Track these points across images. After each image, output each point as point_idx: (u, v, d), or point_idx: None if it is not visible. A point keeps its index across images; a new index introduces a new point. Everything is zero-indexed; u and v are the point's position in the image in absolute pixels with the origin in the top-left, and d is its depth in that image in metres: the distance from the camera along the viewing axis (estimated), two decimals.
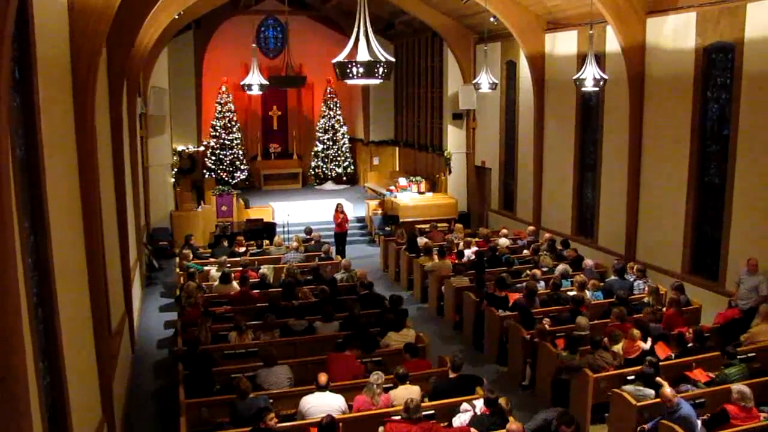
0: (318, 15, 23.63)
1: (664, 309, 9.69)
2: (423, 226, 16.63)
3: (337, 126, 24.20)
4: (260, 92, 15.58)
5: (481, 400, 6.88)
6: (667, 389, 6.83)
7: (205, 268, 12.85)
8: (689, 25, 11.03)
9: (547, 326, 9.27)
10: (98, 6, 6.72)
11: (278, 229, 16.67)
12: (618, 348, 8.41)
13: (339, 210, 16.16)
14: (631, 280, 11.04)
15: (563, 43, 14.63)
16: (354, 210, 19.37)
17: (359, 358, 8.27)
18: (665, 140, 11.76)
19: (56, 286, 4.97)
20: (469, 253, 13.39)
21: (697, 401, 7.09)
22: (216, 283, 11.58)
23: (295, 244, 13.94)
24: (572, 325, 9.10)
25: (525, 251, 13.59)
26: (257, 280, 11.77)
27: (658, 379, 7.37)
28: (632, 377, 7.65)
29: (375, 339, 8.88)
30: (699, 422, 6.77)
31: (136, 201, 13.09)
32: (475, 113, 18.93)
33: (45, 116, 5.01)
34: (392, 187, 19.58)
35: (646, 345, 8.50)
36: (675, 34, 11.38)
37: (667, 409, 6.73)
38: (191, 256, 13.60)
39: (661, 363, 7.81)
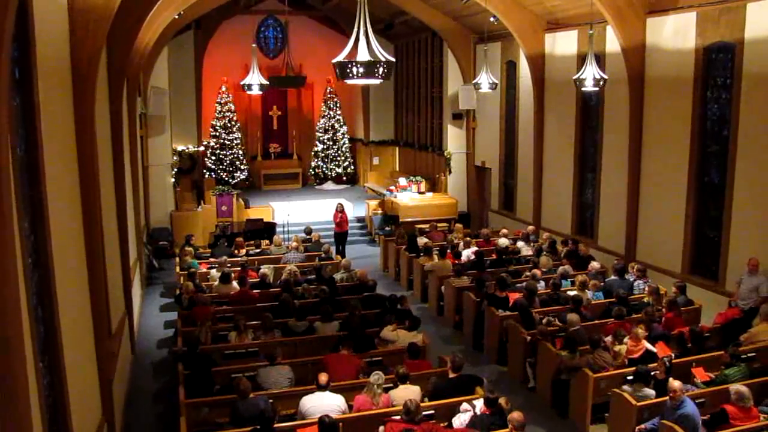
0: (318, 15, 23.63)
1: (664, 310, 9.68)
2: (423, 226, 16.61)
3: (337, 126, 24.20)
4: (260, 92, 15.56)
5: (481, 400, 6.88)
6: (676, 382, 6.83)
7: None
8: (689, 25, 11.03)
9: (549, 327, 9.26)
10: (98, 6, 6.72)
11: (278, 229, 16.67)
12: (621, 348, 8.41)
13: (339, 210, 16.17)
14: (632, 280, 11.04)
15: (563, 43, 14.63)
16: (354, 210, 19.36)
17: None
18: (665, 140, 11.75)
19: (56, 286, 4.97)
20: (468, 253, 13.38)
21: (697, 401, 7.08)
22: (216, 283, 11.58)
23: (294, 244, 13.95)
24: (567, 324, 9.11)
25: (521, 243, 13.60)
26: (257, 280, 11.77)
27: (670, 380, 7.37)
28: (632, 377, 7.65)
29: (370, 339, 8.88)
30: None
31: (136, 201, 13.09)
32: (475, 113, 18.93)
33: (45, 116, 5.00)
34: (392, 187, 19.57)
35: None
36: (675, 34, 11.38)
37: (671, 405, 6.72)
38: (193, 253, 13.59)
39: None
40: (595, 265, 11.84)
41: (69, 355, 5.18)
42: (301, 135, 25.08)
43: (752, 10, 9.79)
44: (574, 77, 11.45)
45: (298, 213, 17.95)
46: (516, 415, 6.31)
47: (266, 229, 16.42)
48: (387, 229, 17.22)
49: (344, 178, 24.42)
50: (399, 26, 21.16)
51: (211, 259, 13.53)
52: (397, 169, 24.04)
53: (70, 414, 5.09)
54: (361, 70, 6.90)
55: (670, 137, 11.60)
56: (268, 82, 14.62)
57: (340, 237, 16.21)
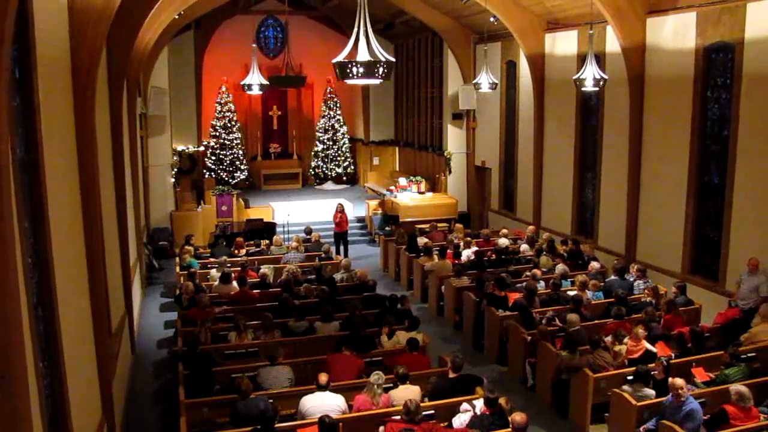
0: (318, 15, 23.63)
1: (662, 312, 9.65)
2: (423, 226, 16.62)
3: (337, 126, 24.20)
4: (260, 92, 15.58)
5: (481, 400, 6.88)
6: (680, 380, 6.82)
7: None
8: (689, 25, 11.03)
9: (549, 327, 9.26)
10: (98, 6, 6.72)
11: (278, 229, 16.68)
12: (621, 348, 8.40)
13: (339, 210, 16.17)
14: (632, 280, 11.04)
15: (563, 43, 14.63)
16: (354, 210, 19.37)
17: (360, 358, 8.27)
18: (665, 140, 11.75)
19: (56, 286, 4.97)
20: (468, 253, 13.38)
21: (697, 401, 7.08)
22: (216, 283, 11.59)
23: (294, 244, 13.95)
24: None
25: (525, 246, 13.61)
26: (257, 280, 11.77)
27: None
28: (632, 377, 7.65)
29: (371, 339, 8.88)
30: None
31: (136, 201, 13.09)
32: (475, 113, 18.93)
33: (45, 116, 5.00)
34: (392, 187, 19.58)
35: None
36: (675, 34, 11.38)
37: (675, 403, 6.71)
38: (192, 252, 13.59)
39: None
40: (595, 265, 11.82)
41: (69, 355, 5.17)
42: (301, 135, 25.08)
43: (752, 10, 9.79)
44: (574, 77, 11.45)
45: (298, 213, 17.95)
46: (518, 418, 6.24)
47: (266, 229, 16.42)
48: (387, 229, 17.22)
49: (344, 178, 24.42)
50: (399, 26, 21.16)
51: (211, 259, 13.53)
52: (397, 169, 24.03)
53: (70, 414, 5.09)
54: (361, 70, 6.89)
55: (670, 137, 11.60)
56: (268, 82, 14.61)
57: (340, 237, 16.20)
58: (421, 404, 6.77)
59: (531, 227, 14.96)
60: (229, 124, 22.96)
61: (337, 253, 15.65)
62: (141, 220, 14.33)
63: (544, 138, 15.62)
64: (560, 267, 11.65)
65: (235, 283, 11.23)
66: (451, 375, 7.61)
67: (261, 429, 6.23)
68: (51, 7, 5.86)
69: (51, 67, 5.64)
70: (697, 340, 8.47)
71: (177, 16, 14.11)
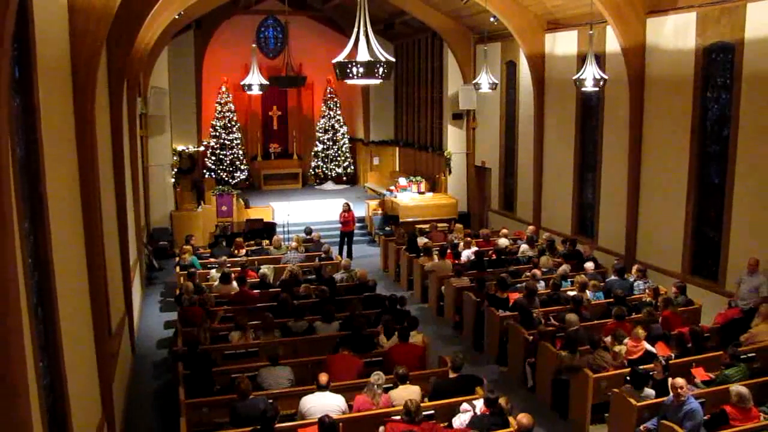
0: (318, 15, 23.63)
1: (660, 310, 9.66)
2: (423, 226, 16.62)
3: (337, 126, 24.20)
4: (260, 92, 15.60)
5: (481, 400, 6.88)
6: (680, 379, 6.81)
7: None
8: (689, 25, 11.04)
9: (548, 327, 9.26)
10: (98, 6, 6.72)
11: (278, 229, 16.68)
12: (621, 348, 8.40)
13: (344, 209, 16.18)
14: (632, 280, 11.04)
15: (563, 43, 14.63)
16: (354, 210, 19.35)
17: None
18: (665, 140, 11.76)
19: (56, 286, 4.97)
20: (468, 253, 13.38)
21: (697, 401, 7.07)
22: (216, 283, 11.58)
23: (294, 244, 13.94)
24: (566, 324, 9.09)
25: (525, 246, 13.61)
26: (257, 280, 11.76)
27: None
28: (631, 378, 7.64)
29: (370, 339, 8.87)
30: None
31: (136, 201, 13.09)
32: (475, 113, 18.94)
33: (45, 116, 5.00)
34: (392, 187, 19.57)
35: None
36: (675, 34, 11.38)
37: (676, 402, 6.70)
38: (191, 252, 13.59)
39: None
40: (588, 265, 11.78)
41: (69, 356, 5.18)
42: (301, 135, 25.09)
43: (752, 10, 9.79)
44: (574, 77, 11.46)
45: (298, 213, 17.95)
46: (525, 420, 6.19)
47: (266, 229, 16.42)
48: (387, 229, 17.22)
49: (344, 178, 24.43)
50: (399, 26, 21.16)
51: (211, 259, 13.53)
52: (397, 169, 24.03)
53: (70, 414, 5.09)
54: (361, 70, 6.90)
55: (670, 137, 11.60)
56: (268, 82, 14.62)
57: (346, 236, 16.17)
58: (421, 404, 6.77)
59: (531, 227, 14.95)
60: (229, 124, 22.96)
61: (340, 252, 15.65)
62: (141, 220, 14.33)
63: (544, 138, 15.62)
64: (561, 267, 11.65)
65: (234, 283, 11.23)
66: (451, 375, 7.61)
67: (261, 429, 6.22)
68: (51, 7, 5.86)
69: (51, 67, 5.64)
70: (697, 340, 8.47)
71: (177, 16, 14.11)
